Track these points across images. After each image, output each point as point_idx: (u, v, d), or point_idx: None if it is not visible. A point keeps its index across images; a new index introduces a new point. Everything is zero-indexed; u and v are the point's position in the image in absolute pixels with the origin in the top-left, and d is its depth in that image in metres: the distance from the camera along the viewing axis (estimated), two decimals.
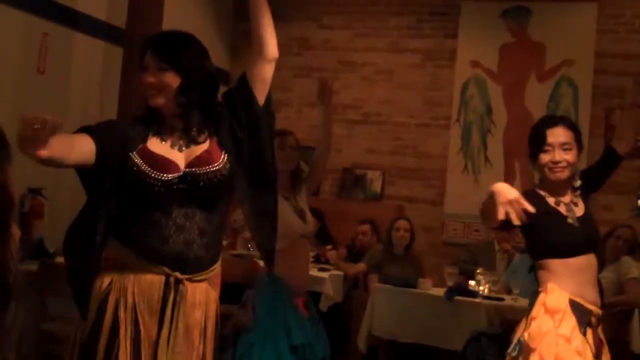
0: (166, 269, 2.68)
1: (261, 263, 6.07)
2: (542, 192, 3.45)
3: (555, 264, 3.35)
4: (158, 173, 2.68)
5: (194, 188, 2.70)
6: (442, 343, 5.87)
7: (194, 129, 2.78)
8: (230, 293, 5.78)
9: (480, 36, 8.74)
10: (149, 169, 2.69)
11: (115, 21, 7.50)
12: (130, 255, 2.68)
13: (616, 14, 8.32)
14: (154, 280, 2.68)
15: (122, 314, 2.64)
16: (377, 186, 9.02)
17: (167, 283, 2.68)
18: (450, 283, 6.07)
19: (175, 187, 2.68)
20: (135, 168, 2.68)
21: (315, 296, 6.38)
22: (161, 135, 2.77)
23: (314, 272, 6.72)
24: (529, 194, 3.34)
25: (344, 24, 9.31)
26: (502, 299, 5.91)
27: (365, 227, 7.65)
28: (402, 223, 7.11)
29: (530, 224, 3.25)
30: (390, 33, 9.14)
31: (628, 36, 8.24)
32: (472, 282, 6.16)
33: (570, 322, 3.25)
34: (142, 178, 2.68)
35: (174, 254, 2.68)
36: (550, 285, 3.31)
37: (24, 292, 4.93)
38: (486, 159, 8.64)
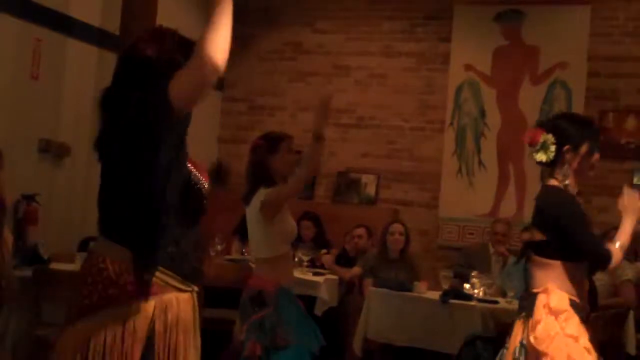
0: (193, 286, 2.66)
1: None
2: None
3: (569, 266, 3.32)
4: (206, 182, 2.66)
5: (203, 202, 2.68)
6: (437, 346, 5.86)
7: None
8: (224, 297, 5.80)
9: (473, 40, 8.76)
10: (203, 179, 2.65)
11: (108, 27, 7.51)
12: (168, 274, 2.58)
13: (609, 16, 8.34)
14: (187, 299, 2.64)
15: (165, 338, 2.57)
16: (371, 190, 9.03)
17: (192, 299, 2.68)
18: (445, 286, 6.07)
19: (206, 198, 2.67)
20: (194, 178, 2.63)
21: (311, 300, 6.38)
22: None
23: (308, 276, 6.73)
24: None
25: (338, 29, 9.32)
26: (497, 302, 5.92)
27: (360, 231, 7.65)
28: (396, 227, 7.12)
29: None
30: (383, 37, 9.15)
31: (621, 39, 8.26)
32: (467, 286, 6.16)
33: (574, 320, 3.25)
34: (198, 187, 2.63)
35: (191, 269, 2.65)
36: (550, 286, 3.29)
37: (18, 298, 4.92)
38: (480, 162, 8.64)
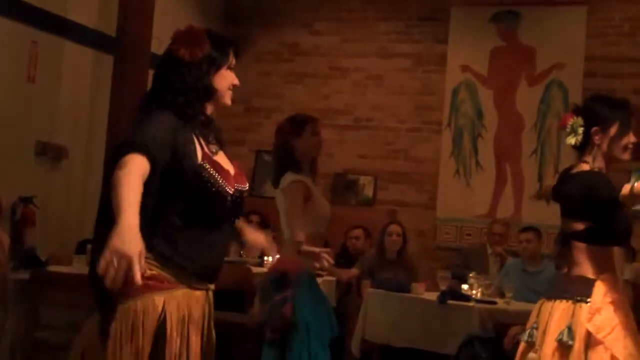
0: (208, 285, 2.69)
1: (253, 269, 6.10)
2: None
3: (615, 251, 3.29)
4: (229, 187, 2.66)
5: (241, 204, 2.72)
6: (435, 347, 5.85)
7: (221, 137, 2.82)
8: (227, 300, 5.79)
9: (470, 40, 8.76)
10: (223, 181, 2.65)
11: (105, 29, 7.50)
12: (180, 272, 2.60)
13: (606, 17, 8.35)
14: (199, 297, 2.67)
15: (175, 333, 2.58)
16: (369, 191, 9.03)
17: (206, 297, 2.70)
18: (443, 287, 6.06)
19: (233, 202, 2.68)
20: (211, 180, 2.62)
21: None
22: (207, 142, 2.71)
23: None
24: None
25: (334, 30, 9.32)
26: (494, 303, 5.91)
27: (358, 232, 7.65)
28: (394, 228, 7.12)
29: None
30: (380, 38, 9.15)
31: (618, 39, 8.27)
32: (464, 286, 6.15)
33: (629, 312, 3.25)
34: (216, 191, 2.63)
35: (214, 269, 2.70)
36: (606, 275, 3.24)
37: (15, 301, 4.91)
38: (477, 163, 8.65)
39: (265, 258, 7.12)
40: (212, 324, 2.71)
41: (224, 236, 2.74)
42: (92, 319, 2.57)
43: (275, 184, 4.39)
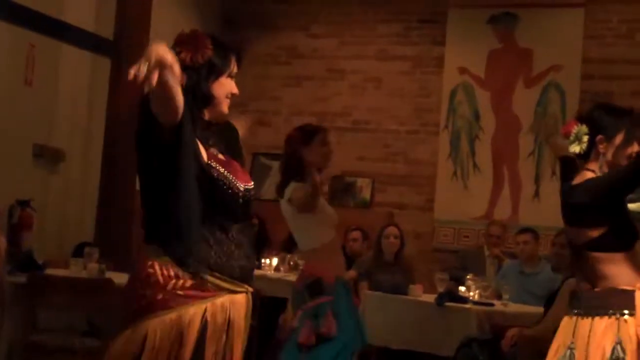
0: (246, 286, 2.65)
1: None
2: None
3: (627, 256, 3.21)
4: (240, 184, 2.65)
5: (250, 202, 2.70)
6: (433, 349, 5.86)
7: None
8: None
9: (467, 43, 8.77)
10: (234, 179, 2.64)
11: (102, 32, 7.50)
12: (218, 277, 2.57)
13: (603, 19, 8.35)
14: (240, 300, 2.63)
15: (216, 342, 2.56)
16: (366, 193, 9.03)
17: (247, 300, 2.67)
18: (440, 289, 6.07)
19: (245, 199, 2.67)
20: (222, 178, 2.61)
21: None
22: (207, 145, 2.69)
23: None
24: None
25: (332, 33, 9.33)
26: (492, 305, 5.92)
27: (356, 234, 7.65)
28: (392, 230, 7.11)
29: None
30: (378, 41, 9.16)
31: (615, 41, 8.27)
32: (462, 288, 6.16)
33: None
34: (228, 189, 2.61)
35: (248, 268, 2.66)
36: None
37: (12, 304, 4.91)
38: (475, 164, 8.65)
39: (263, 260, 7.13)
40: (247, 325, 2.68)
41: (246, 234, 2.70)
42: (124, 333, 2.51)
43: (280, 193, 4.38)
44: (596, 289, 3.24)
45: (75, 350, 5.04)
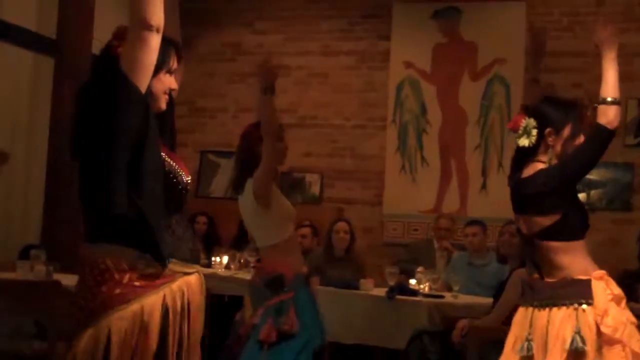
0: (197, 266, 2.73)
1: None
2: None
3: (579, 245, 3.26)
4: (185, 176, 2.73)
5: (185, 195, 2.76)
6: (385, 342, 5.89)
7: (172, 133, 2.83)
8: None
9: (412, 37, 8.81)
10: (180, 170, 2.70)
11: (44, 31, 7.39)
12: (153, 261, 2.55)
13: (544, 12, 8.46)
14: (195, 280, 2.70)
15: (175, 322, 2.60)
16: (315, 189, 9.03)
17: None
18: (391, 283, 6.10)
19: (186, 192, 2.76)
20: (170, 170, 2.67)
21: None
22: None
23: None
24: None
25: (277, 29, 9.31)
26: (442, 297, 5.96)
27: (305, 231, 7.64)
28: (341, 225, 7.12)
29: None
30: (322, 36, 9.17)
31: (557, 34, 8.36)
32: (412, 281, 6.20)
33: (625, 306, 3.22)
34: (174, 178, 2.68)
35: (189, 251, 2.72)
36: (596, 273, 3.21)
37: None
38: (423, 158, 8.70)
39: (213, 258, 7.10)
40: (204, 304, 2.73)
41: (174, 224, 2.72)
42: (86, 332, 2.47)
43: (238, 190, 4.35)
44: (550, 280, 3.27)
45: (24, 355, 4.97)
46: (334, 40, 9.13)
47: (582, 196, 7.18)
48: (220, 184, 9.13)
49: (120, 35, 2.59)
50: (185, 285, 2.63)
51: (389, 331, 5.81)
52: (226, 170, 8.62)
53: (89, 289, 2.50)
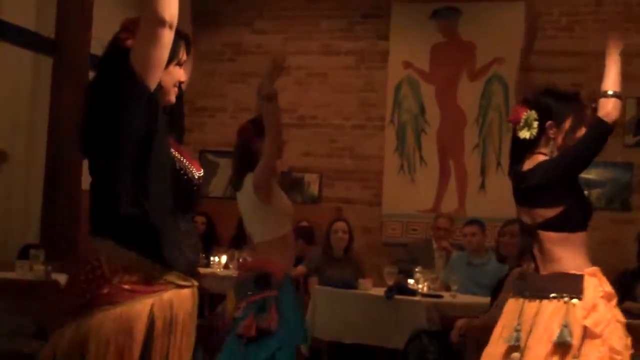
0: (193, 280, 2.58)
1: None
2: None
3: (579, 238, 3.26)
4: (195, 172, 2.62)
5: (200, 191, 2.66)
6: (384, 342, 5.90)
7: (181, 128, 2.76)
8: None
9: (411, 37, 8.82)
10: (190, 165, 2.61)
11: (44, 31, 7.39)
12: (152, 265, 2.48)
13: (543, 12, 8.44)
14: (186, 295, 2.57)
15: (163, 338, 2.50)
16: (314, 189, 9.04)
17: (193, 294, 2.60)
18: (389, 282, 6.11)
19: (198, 188, 2.65)
20: (180, 165, 2.58)
21: None
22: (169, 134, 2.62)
23: None
24: None
25: (277, 28, 9.32)
26: (440, 297, 5.97)
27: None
28: (340, 225, 7.13)
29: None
30: (322, 36, 9.18)
31: (556, 34, 8.38)
32: (411, 281, 6.21)
33: (615, 305, 3.23)
34: (184, 175, 2.58)
35: (187, 261, 2.57)
36: (591, 269, 3.21)
37: None
38: (421, 158, 8.71)
39: (211, 258, 7.10)
40: (194, 320, 2.62)
41: (191, 224, 2.65)
42: (67, 327, 2.42)
43: (237, 186, 4.35)
44: (543, 273, 3.28)
45: (24, 354, 4.97)
46: (334, 40, 9.14)
47: None
48: (218, 184, 9.14)
49: (128, 26, 2.52)
50: (176, 298, 2.52)
51: (387, 331, 5.82)
52: (225, 170, 8.63)
53: (78, 284, 2.45)
